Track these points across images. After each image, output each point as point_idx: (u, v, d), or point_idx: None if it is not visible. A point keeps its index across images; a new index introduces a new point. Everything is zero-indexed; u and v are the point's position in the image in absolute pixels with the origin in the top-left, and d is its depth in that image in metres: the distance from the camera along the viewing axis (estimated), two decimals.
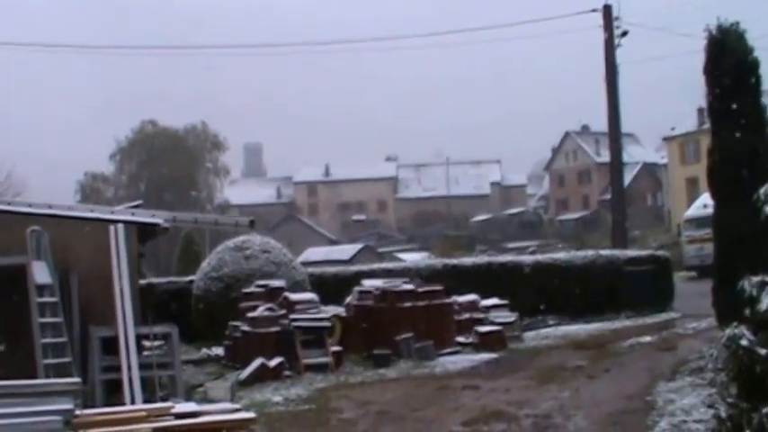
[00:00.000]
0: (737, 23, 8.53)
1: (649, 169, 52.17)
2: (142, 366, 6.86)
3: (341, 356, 9.07)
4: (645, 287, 13.31)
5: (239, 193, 56.88)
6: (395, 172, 66.79)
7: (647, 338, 10.28)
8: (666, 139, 42.74)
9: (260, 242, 12.10)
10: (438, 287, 10.32)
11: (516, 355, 9.70)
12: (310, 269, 13.79)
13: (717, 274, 8.57)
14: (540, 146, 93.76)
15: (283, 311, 9.18)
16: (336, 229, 60.15)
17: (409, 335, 9.40)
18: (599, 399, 6.56)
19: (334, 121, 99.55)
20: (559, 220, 56.05)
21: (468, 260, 15.16)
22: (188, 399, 6.62)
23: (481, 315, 10.76)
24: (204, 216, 15.47)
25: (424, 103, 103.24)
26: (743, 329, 4.85)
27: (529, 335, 11.37)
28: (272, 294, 9.73)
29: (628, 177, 32.77)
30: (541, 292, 12.94)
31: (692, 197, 26.95)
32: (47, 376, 6.29)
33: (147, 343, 7.43)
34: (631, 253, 14.97)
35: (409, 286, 10.00)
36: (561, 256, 14.74)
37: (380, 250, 40.50)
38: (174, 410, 5.00)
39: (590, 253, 14.31)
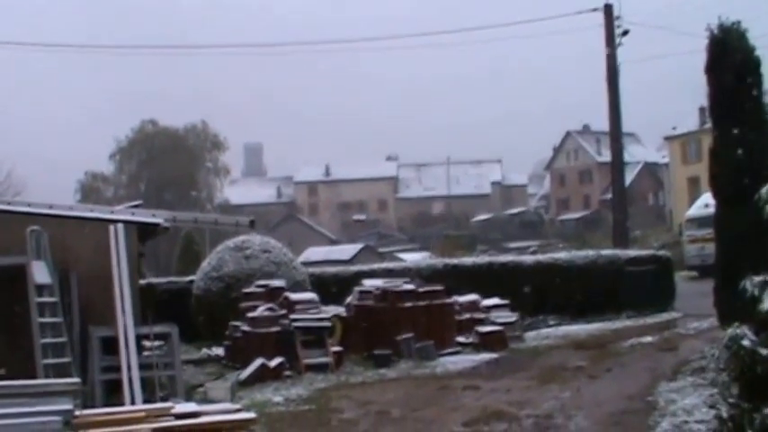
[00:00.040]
0: (739, 22, 8.52)
1: (651, 169, 52.15)
2: (142, 366, 6.85)
3: (341, 356, 9.05)
4: (646, 287, 13.28)
5: (239, 192, 56.91)
6: (395, 172, 66.79)
7: (649, 338, 10.26)
8: (668, 139, 42.70)
9: (260, 242, 12.08)
10: (439, 287, 10.30)
11: (517, 355, 9.68)
12: (311, 269, 13.77)
13: (718, 273, 8.56)
14: (540, 145, 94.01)
15: (284, 311, 9.16)
16: (337, 229, 60.16)
17: (410, 335, 9.38)
18: (600, 399, 6.55)
19: (334, 121, 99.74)
20: (560, 219, 56.02)
21: (468, 260, 15.13)
22: (188, 399, 6.61)
23: (482, 315, 10.74)
24: (204, 216, 15.47)
25: (425, 103, 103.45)
26: (745, 329, 4.84)
27: (530, 335, 11.35)
28: (272, 294, 9.72)
29: (629, 177, 32.73)
30: (542, 292, 12.92)
31: (694, 197, 26.90)
32: (46, 376, 6.28)
33: (147, 343, 7.42)
34: (632, 253, 14.92)
35: (410, 286, 9.99)
36: (562, 255, 14.69)
37: (381, 250, 40.49)
38: (174, 411, 4.99)
39: (591, 253, 14.27)
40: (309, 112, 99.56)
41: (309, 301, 9.49)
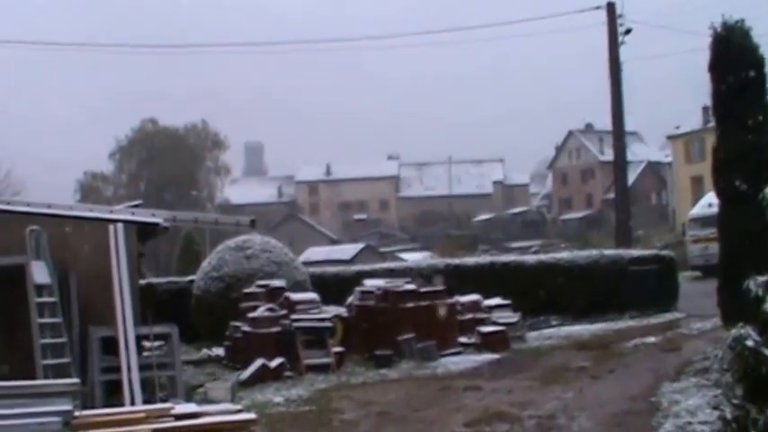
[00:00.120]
0: (743, 21, 8.45)
1: (654, 168, 52.04)
2: (142, 367, 6.83)
3: (342, 357, 9.03)
4: (649, 287, 13.22)
5: (240, 192, 56.89)
6: (396, 171, 66.76)
7: (652, 339, 10.22)
8: (671, 138, 42.60)
9: (261, 242, 12.06)
10: (440, 287, 10.26)
11: (519, 355, 9.65)
12: (311, 269, 13.75)
13: (722, 273, 8.51)
14: (542, 144, 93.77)
15: (284, 312, 9.15)
16: (338, 229, 60.14)
17: (411, 335, 9.35)
18: (603, 400, 6.52)
19: (335, 120, 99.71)
20: (563, 219, 55.97)
21: (470, 260, 15.11)
22: (188, 399, 6.60)
23: (484, 315, 10.70)
24: (204, 215, 15.45)
25: (426, 102, 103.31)
26: (748, 330, 4.81)
27: (532, 335, 11.31)
28: (272, 294, 9.70)
29: (632, 176, 32.68)
30: (545, 293, 12.86)
31: (697, 196, 26.84)
32: (46, 377, 6.27)
33: (146, 343, 7.40)
34: (635, 252, 14.83)
35: (411, 286, 9.96)
36: (564, 255, 14.62)
37: (382, 250, 40.48)
38: (174, 411, 4.99)
39: (593, 252, 14.21)
40: (310, 111, 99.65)
41: (310, 302, 9.48)
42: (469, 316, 10.54)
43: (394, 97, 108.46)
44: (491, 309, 10.91)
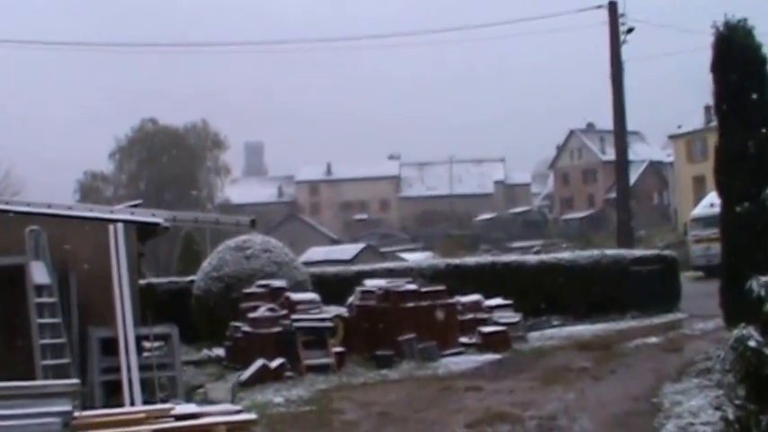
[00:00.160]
0: (745, 20, 8.41)
1: (655, 167, 51.98)
2: (142, 367, 6.82)
3: (343, 357, 9.01)
4: (651, 287, 13.19)
5: (240, 192, 56.91)
6: (397, 171, 66.74)
7: (654, 339, 10.20)
8: (673, 137, 42.53)
9: (261, 242, 12.03)
10: (441, 287, 10.24)
11: (520, 355, 9.62)
12: (312, 269, 13.72)
13: (724, 274, 8.47)
14: (544, 144, 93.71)
15: (285, 312, 9.12)
16: (338, 229, 60.14)
17: (412, 335, 9.33)
18: (604, 400, 6.50)
19: (335, 120, 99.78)
20: (564, 219, 55.91)
21: (471, 260, 15.06)
22: (188, 400, 6.59)
23: (485, 315, 10.67)
24: (205, 215, 15.45)
25: (427, 101, 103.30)
26: (751, 330, 4.78)
27: (533, 335, 11.28)
28: (273, 294, 9.67)
29: (633, 176, 32.70)
30: (546, 293, 12.83)
31: (699, 196, 26.80)
32: (45, 377, 6.25)
33: (146, 344, 7.39)
34: (637, 252, 14.82)
35: (412, 286, 9.93)
36: (566, 255, 14.61)
37: (383, 250, 40.47)
38: (174, 412, 5.00)
39: (595, 252, 14.18)
40: (310, 110, 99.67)
41: (311, 302, 9.45)
42: (470, 316, 10.50)
43: (395, 97, 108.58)
44: (492, 309, 10.87)
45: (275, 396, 7.41)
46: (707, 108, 32.70)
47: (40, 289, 6.75)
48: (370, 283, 10.46)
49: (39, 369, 6.42)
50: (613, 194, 27.87)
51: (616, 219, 20.71)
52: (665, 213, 47.08)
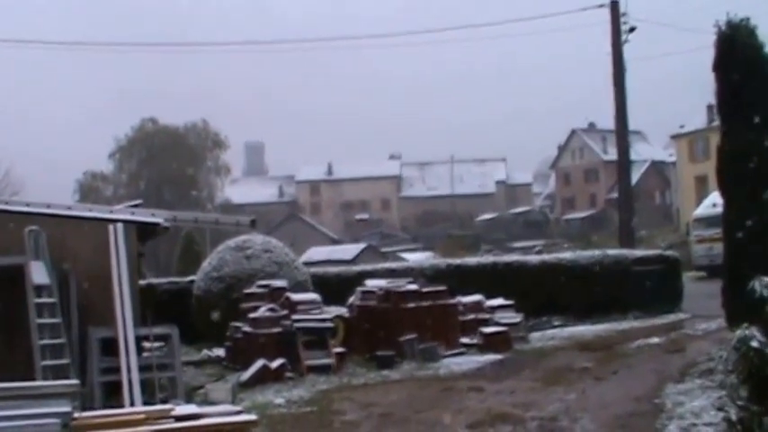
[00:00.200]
0: (748, 19, 8.38)
1: (657, 167, 51.94)
2: (142, 368, 6.79)
3: (344, 358, 8.99)
4: (653, 287, 13.13)
5: (241, 192, 56.93)
6: (398, 170, 66.72)
7: (656, 340, 10.14)
8: (675, 137, 42.49)
9: (261, 242, 12.01)
10: (442, 287, 10.21)
11: (522, 356, 9.59)
12: (313, 269, 13.69)
13: (727, 274, 8.43)
14: (545, 144, 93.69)
15: (285, 312, 9.10)
16: (339, 229, 60.13)
17: (413, 336, 9.30)
18: (606, 401, 6.47)
19: (336, 120, 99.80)
20: (565, 219, 55.88)
21: (472, 260, 15.02)
22: (188, 401, 6.55)
23: (486, 316, 10.64)
24: (205, 215, 15.40)
25: (428, 101, 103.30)
26: (753, 331, 4.77)
27: (534, 336, 11.24)
28: (273, 295, 9.65)
29: (635, 176, 32.69)
30: (547, 293, 12.79)
31: (702, 196, 26.74)
32: (45, 378, 6.23)
33: (146, 344, 7.36)
34: (639, 253, 14.75)
35: (413, 286, 9.90)
36: (567, 255, 14.54)
37: (384, 250, 40.49)
38: (174, 413, 4.95)
39: (597, 253, 14.12)
40: (311, 110, 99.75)
41: (311, 302, 9.43)
42: (472, 316, 10.48)
43: (395, 97, 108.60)
44: (493, 309, 10.84)
45: (276, 397, 7.39)
46: (709, 107, 32.68)
47: (39, 289, 6.73)
48: (371, 284, 10.43)
49: (38, 369, 6.40)
50: (615, 194, 27.86)
51: (618, 219, 20.66)
52: (667, 213, 47.04)
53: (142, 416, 4.89)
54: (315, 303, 9.42)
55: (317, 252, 33.37)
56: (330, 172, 66.91)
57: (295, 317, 9.02)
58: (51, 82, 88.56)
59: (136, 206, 9.18)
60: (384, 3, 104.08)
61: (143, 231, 7.81)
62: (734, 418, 4.87)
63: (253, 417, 5.14)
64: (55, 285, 6.85)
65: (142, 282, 10.19)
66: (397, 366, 8.84)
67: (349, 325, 9.64)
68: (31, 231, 6.93)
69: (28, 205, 8.08)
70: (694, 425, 5.39)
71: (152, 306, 8.59)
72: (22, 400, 4.83)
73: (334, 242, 49.11)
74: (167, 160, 44.77)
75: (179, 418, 4.83)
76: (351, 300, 10.35)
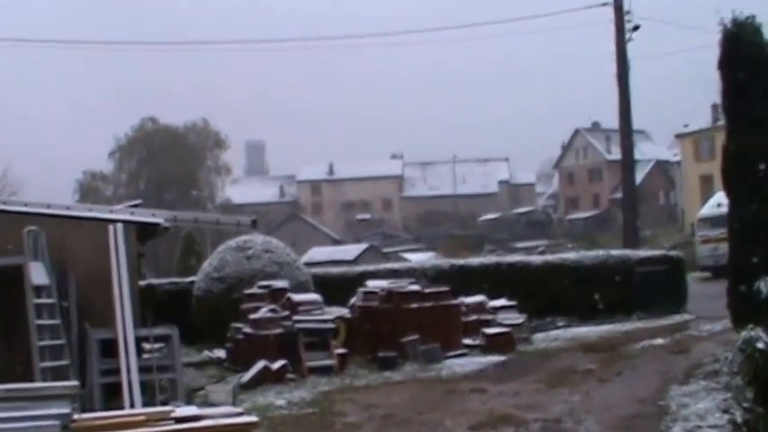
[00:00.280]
0: (753, 17, 8.31)
1: (662, 167, 51.80)
2: (142, 369, 6.76)
3: (345, 359, 8.94)
4: (657, 288, 13.07)
5: (241, 191, 56.97)
6: (400, 170, 66.71)
7: (660, 341, 10.08)
8: (679, 136, 42.37)
9: (262, 242, 11.97)
10: (445, 288, 10.16)
11: (525, 357, 9.54)
12: (314, 269, 13.65)
13: (732, 274, 8.36)
14: (548, 143, 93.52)
15: (286, 313, 9.06)
16: (341, 229, 60.12)
17: (415, 337, 9.25)
18: (610, 403, 6.42)
19: (337, 119, 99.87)
20: (569, 219, 55.78)
21: (475, 260, 14.97)
22: (189, 402, 6.52)
23: (489, 316, 10.60)
24: (205, 215, 15.40)
25: (430, 100, 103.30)
26: (759, 332, 4.72)
27: (538, 337, 11.19)
28: (274, 295, 9.62)
29: (639, 175, 32.51)
30: (551, 293, 12.73)
31: (707, 196, 26.59)
32: (44, 379, 6.21)
33: (146, 345, 7.34)
34: (643, 253, 14.69)
35: (415, 287, 9.85)
36: (571, 256, 14.48)
37: (386, 250, 40.48)
38: (174, 414, 4.94)
39: (601, 253, 14.05)
40: (312, 109, 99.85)
41: (313, 303, 9.39)
42: (474, 317, 10.43)
43: (397, 96, 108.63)
44: (496, 310, 10.80)
45: (277, 398, 7.35)
46: (714, 106, 32.50)
47: (38, 290, 6.71)
48: (373, 284, 10.39)
49: (37, 371, 6.37)
50: (619, 194, 27.75)
51: (622, 219, 20.59)
52: (672, 213, 46.92)
53: (142, 417, 4.88)
54: (316, 304, 9.38)
55: (319, 252, 33.37)
56: (331, 172, 66.91)
57: (296, 318, 8.98)
58: (51, 81, 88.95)
59: (136, 206, 9.15)
60: (384, 3, 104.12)
61: (143, 231, 7.77)
62: (739, 420, 4.84)
63: (253, 418, 5.13)
64: (54, 286, 6.83)
65: (142, 282, 10.18)
66: (399, 368, 8.80)
67: (351, 326, 9.60)
68: (30, 231, 6.90)
69: (27, 205, 8.07)
70: (699, 427, 5.34)
71: (152, 307, 8.57)
72: (21, 402, 4.80)
73: (336, 242, 49.12)
74: (167, 160, 44.74)
75: (179, 420, 4.82)
76: (352, 300, 10.31)
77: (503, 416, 6.04)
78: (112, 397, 6.65)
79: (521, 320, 10.78)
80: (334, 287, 11.88)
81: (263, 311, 9.04)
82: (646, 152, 47.93)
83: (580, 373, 7.97)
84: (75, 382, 5.61)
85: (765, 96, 8.16)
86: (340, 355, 8.87)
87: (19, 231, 6.87)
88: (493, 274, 13.12)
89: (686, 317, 12.79)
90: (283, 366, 8.34)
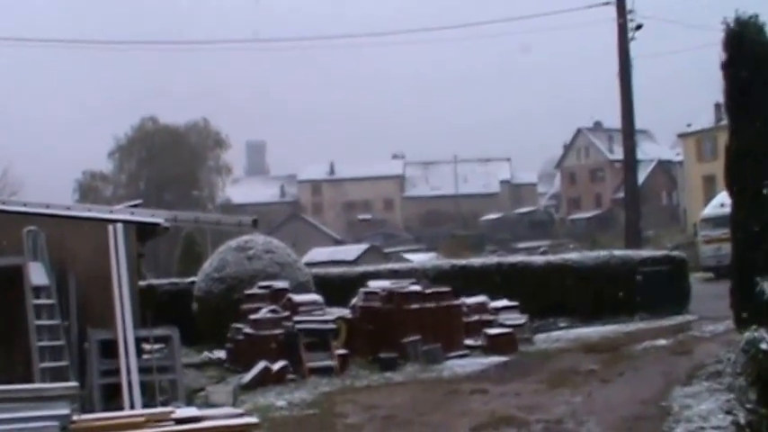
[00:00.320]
0: (756, 16, 8.29)
1: (664, 167, 51.68)
2: (142, 370, 6.75)
3: (346, 360, 8.92)
4: (660, 289, 13.04)
5: (242, 191, 56.92)
6: (402, 170, 66.63)
7: (663, 342, 10.05)
8: (682, 136, 42.26)
9: (263, 242, 11.95)
10: (446, 288, 10.13)
11: (527, 358, 9.52)
12: (315, 270, 13.63)
13: (735, 275, 8.32)
14: (550, 143, 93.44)
15: (287, 313, 9.04)
16: (341, 229, 60.05)
17: (416, 337, 9.23)
18: (613, 404, 6.41)
19: (337, 118, 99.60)
20: (571, 219, 55.72)
21: (476, 261, 14.94)
22: (189, 403, 6.51)
23: (490, 317, 10.57)
24: (206, 215, 15.38)
25: (432, 100, 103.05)
26: (762, 333, 4.70)
27: (540, 337, 11.17)
28: (275, 296, 9.60)
29: (642, 175, 32.50)
30: (553, 294, 12.70)
31: (709, 196, 26.57)
32: (43, 380, 6.20)
33: (146, 346, 7.32)
34: (646, 253, 14.66)
35: (416, 287, 9.83)
36: (573, 256, 14.50)
37: (387, 250, 40.40)
38: (174, 415, 4.94)
39: (603, 253, 14.05)
40: (312, 109, 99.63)
41: (313, 303, 9.37)
42: (476, 318, 10.40)
43: (398, 95, 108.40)
44: (498, 310, 10.76)
45: (277, 399, 7.33)
46: (717, 106, 32.42)
47: (38, 290, 6.69)
48: (374, 285, 10.37)
49: (36, 372, 6.36)
50: (621, 194, 27.68)
51: (624, 219, 20.54)
52: (675, 213, 46.83)
53: (142, 418, 4.87)
54: (317, 304, 9.36)
55: (320, 253, 33.30)
56: (332, 171, 66.86)
57: (297, 318, 8.96)
58: (51, 81, 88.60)
59: (136, 206, 9.12)
60: (384, 2, 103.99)
61: (143, 232, 7.75)
62: (742, 421, 4.82)
63: (254, 419, 5.13)
64: (54, 286, 6.81)
65: (142, 283, 10.14)
66: (400, 368, 8.78)
67: (351, 326, 9.57)
68: (29, 232, 6.88)
69: (26, 205, 8.05)
70: (702, 428, 5.32)
71: (152, 307, 8.56)
72: (20, 403, 4.79)
73: (337, 243, 49.04)
74: (168, 160, 44.58)
75: (179, 421, 4.81)
76: (353, 301, 10.28)
77: (504, 417, 6.01)
78: (112, 398, 6.63)
79: (522, 321, 10.74)
80: (335, 287, 11.85)
81: (264, 312, 9.03)
82: (648, 152, 47.86)
83: (582, 374, 7.95)
84: (74, 383, 5.60)
85: None
86: (341, 355, 8.84)
87: (18, 231, 6.85)
88: (494, 274, 13.09)
89: (689, 317, 12.76)
90: (284, 367, 8.32)
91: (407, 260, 26.02)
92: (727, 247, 10.84)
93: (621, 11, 18.64)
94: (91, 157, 65.25)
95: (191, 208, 33.93)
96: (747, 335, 4.70)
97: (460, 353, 9.58)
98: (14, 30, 58.85)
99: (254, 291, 10.01)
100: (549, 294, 12.63)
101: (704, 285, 16.61)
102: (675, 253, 15.35)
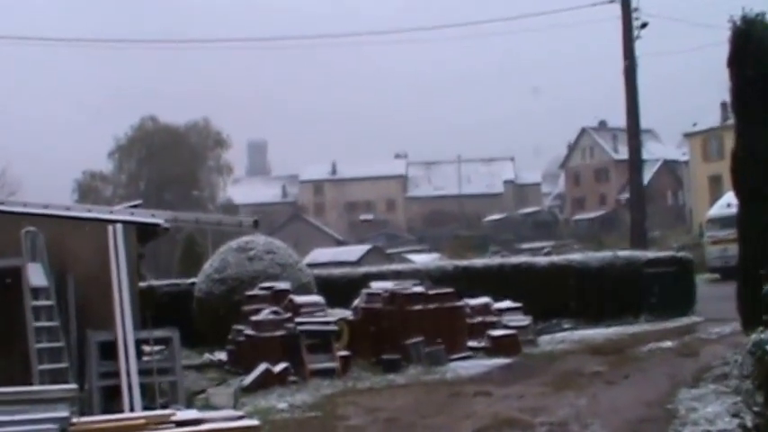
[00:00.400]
0: (763, 14, 8.19)
1: (670, 167, 51.56)
2: (142, 372, 6.70)
3: (348, 361, 8.87)
4: (665, 290, 13.00)
5: (243, 192, 57.01)
6: (404, 170, 66.62)
7: (668, 343, 10.02)
8: (688, 136, 42.14)
9: (264, 243, 11.90)
10: (449, 290, 10.08)
11: (530, 360, 9.48)
12: (316, 271, 13.61)
13: (741, 276, 8.22)
14: (555, 143, 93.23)
15: (288, 315, 8.99)
16: (344, 230, 60.08)
17: (419, 339, 9.18)
18: (617, 406, 6.36)
19: (339, 118, 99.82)
20: (575, 219, 55.63)
21: (480, 261, 14.96)
22: (189, 405, 6.48)
23: (494, 318, 10.51)
24: (206, 216, 15.32)
25: (435, 99, 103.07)
26: None
27: (544, 339, 11.13)
28: (276, 297, 9.55)
29: (647, 175, 32.38)
30: (557, 295, 12.63)
31: (716, 196, 26.48)
32: (42, 382, 6.16)
33: (146, 348, 7.28)
34: (651, 254, 14.62)
35: (419, 289, 9.78)
36: (577, 257, 14.46)
37: (389, 251, 40.41)
38: (174, 418, 4.92)
39: (607, 254, 14.03)
40: (314, 108, 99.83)
41: (315, 304, 9.32)
42: (479, 319, 10.35)
43: (400, 95, 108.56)
44: (501, 312, 10.71)
45: (279, 401, 7.29)
46: (723, 105, 32.28)
47: (36, 291, 6.65)
48: (377, 286, 10.33)
49: (35, 374, 6.33)
50: (626, 194, 27.65)
51: (629, 219, 20.47)
52: (680, 214, 46.70)
53: (142, 421, 4.86)
54: (319, 306, 9.31)
55: (321, 253, 33.29)
56: (334, 171, 66.86)
57: (298, 320, 8.91)
58: (51, 81, 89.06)
59: (136, 206, 9.08)
60: (384, 2, 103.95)
61: (143, 232, 7.71)
62: (749, 424, 4.76)
63: (255, 422, 5.13)
64: (52, 288, 6.77)
65: (142, 284, 10.08)
66: (402, 370, 8.74)
67: (354, 328, 9.51)
68: (28, 232, 6.84)
69: (25, 205, 8.01)
70: (708, 431, 5.25)
71: (152, 309, 8.48)
72: (19, 406, 4.77)
73: (339, 243, 49.05)
74: (168, 160, 44.50)
75: (180, 424, 4.80)
76: (356, 302, 10.24)
77: (508, 419, 5.97)
78: (112, 400, 6.60)
79: (526, 322, 10.69)
80: (337, 289, 11.81)
81: (265, 313, 8.98)
82: (653, 152, 47.68)
83: (587, 376, 7.90)
84: (73, 385, 5.56)
85: None
86: (343, 357, 8.80)
87: (17, 232, 6.81)
88: (498, 275, 13.04)
89: (695, 319, 12.73)
90: (285, 369, 8.27)
91: (410, 261, 26.01)
92: (733, 249, 10.72)
93: (626, 9, 18.55)
94: (91, 157, 65.60)
95: (191, 208, 33.91)
96: (754, 337, 4.64)
97: (464, 354, 9.53)
98: (15, 29, 59.10)
99: (256, 292, 9.96)
100: (554, 296, 12.58)
101: (710, 287, 16.59)
102: (681, 254, 15.29)
